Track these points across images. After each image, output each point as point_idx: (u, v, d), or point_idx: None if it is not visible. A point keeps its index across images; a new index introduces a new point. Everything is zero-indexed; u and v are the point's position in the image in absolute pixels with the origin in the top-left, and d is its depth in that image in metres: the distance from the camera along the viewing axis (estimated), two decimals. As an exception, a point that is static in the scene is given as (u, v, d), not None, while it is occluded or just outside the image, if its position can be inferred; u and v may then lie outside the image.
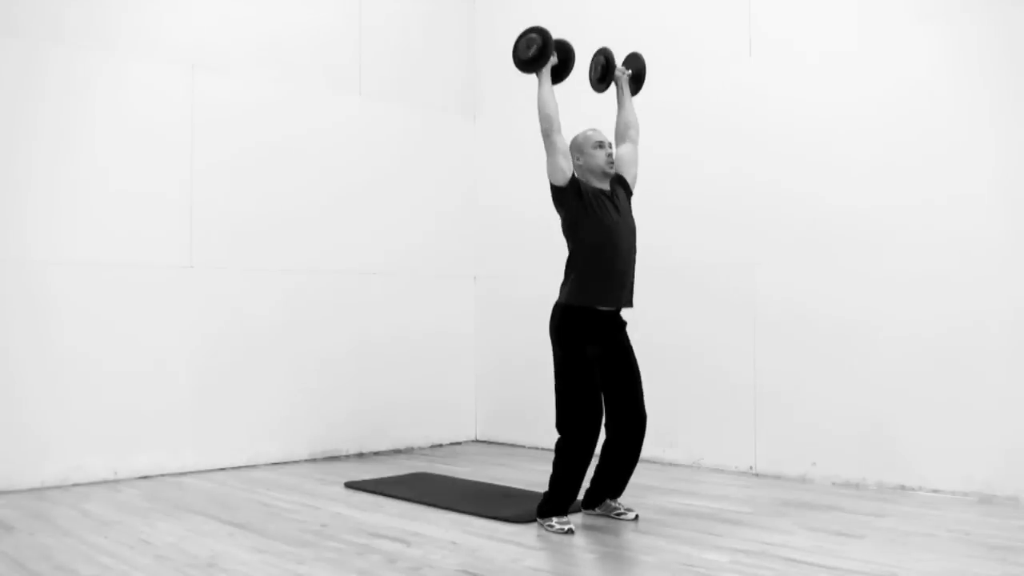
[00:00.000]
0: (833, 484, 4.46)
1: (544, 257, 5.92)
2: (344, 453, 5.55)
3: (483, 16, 6.38)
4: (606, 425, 3.68)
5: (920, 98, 4.28)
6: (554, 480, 3.56)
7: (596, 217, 3.63)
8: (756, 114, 4.85)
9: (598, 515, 3.74)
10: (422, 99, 6.09)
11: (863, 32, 4.48)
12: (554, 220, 5.86)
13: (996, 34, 4.07)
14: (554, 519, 3.51)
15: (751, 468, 4.81)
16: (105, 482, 4.59)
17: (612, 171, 3.73)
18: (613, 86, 4.02)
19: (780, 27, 4.79)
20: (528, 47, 3.64)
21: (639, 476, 3.98)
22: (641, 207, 5.39)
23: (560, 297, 3.67)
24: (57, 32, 4.56)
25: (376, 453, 5.65)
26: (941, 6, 4.25)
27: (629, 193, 3.87)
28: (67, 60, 4.59)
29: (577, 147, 3.74)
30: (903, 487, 4.27)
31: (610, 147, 3.73)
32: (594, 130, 3.78)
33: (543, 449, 5.55)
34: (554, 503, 3.55)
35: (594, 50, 3.99)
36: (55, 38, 4.56)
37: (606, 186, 3.73)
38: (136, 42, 4.83)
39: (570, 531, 3.45)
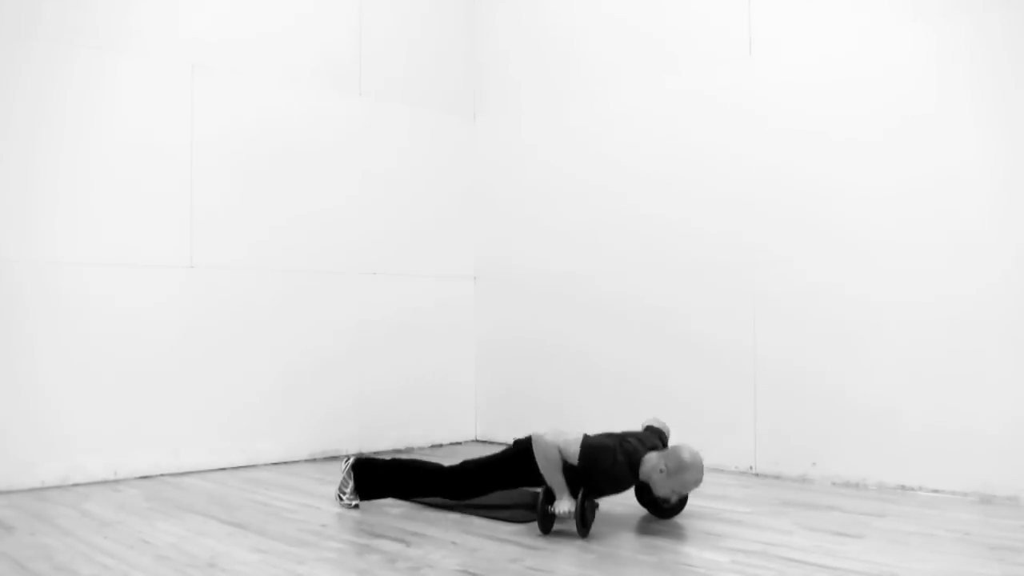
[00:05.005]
0: (833, 484, 4.46)
1: (544, 258, 5.93)
2: (344, 453, 5.54)
3: (483, 16, 6.38)
4: None
5: (920, 97, 4.28)
6: (401, 470, 3.95)
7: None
8: (756, 114, 4.85)
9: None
10: (422, 99, 6.09)
11: (864, 32, 4.48)
12: (554, 221, 5.90)
13: (999, 35, 4.07)
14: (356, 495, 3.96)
15: (751, 468, 4.81)
16: (105, 482, 4.59)
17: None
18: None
19: (780, 27, 4.79)
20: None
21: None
22: (645, 198, 5.40)
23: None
24: (56, 32, 4.56)
25: (376, 453, 5.65)
26: (942, 7, 4.25)
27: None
28: (67, 60, 4.59)
29: (677, 468, 3.47)
30: (903, 487, 4.26)
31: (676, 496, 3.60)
32: (697, 484, 3.52)
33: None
34: (370, 484, 3.95)
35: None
36: (54, 38, 4.56)
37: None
38: (135, 42, 4.84)
39: (356, 506, 3.94)
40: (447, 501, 3.99)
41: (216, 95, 5.12)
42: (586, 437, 3.54)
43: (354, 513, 3.87)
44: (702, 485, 4.37)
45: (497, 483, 3.87)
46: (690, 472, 3.49)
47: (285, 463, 5.26)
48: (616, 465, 3.49)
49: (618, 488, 3.63)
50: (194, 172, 5.01)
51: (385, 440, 5.75)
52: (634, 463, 3.55)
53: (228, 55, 5.19)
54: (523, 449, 3.79)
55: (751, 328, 4.84)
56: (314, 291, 5.49)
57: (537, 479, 3.68)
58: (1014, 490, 3.95)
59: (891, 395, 4.32)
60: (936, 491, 4.17)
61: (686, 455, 3.50)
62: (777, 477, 4.69)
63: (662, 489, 3.54)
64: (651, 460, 3.55)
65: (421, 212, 6.05)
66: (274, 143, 5.35)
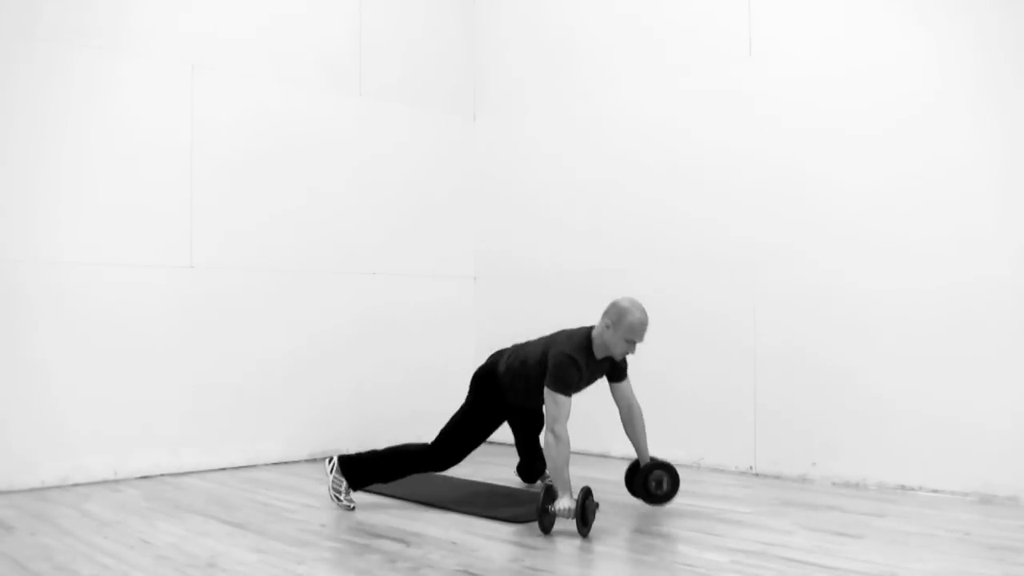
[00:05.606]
0: (833, 484, 4.46)
1: (544, 255, 5.93)
2: (345, 452, 5.53)
3: (483, 16, 6.38)
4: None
5: (919, 93, 4.28)
6: (384, 460, 3.98)
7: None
8: (756, 110, 4.85)
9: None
10: (422, 99, 6.09)
11: (864, 32, 4.48)
12: (553, 221, 5.90)
13: (999, 33, 4.07)
14: (350, 493, 3.93)
15: (751, 468, 4.81)
16: (105, 482, 4.59)
17: (618, 360, 3.78)
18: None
19: (780, 27, 4.79)
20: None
21: (639, 476, 3.97)
22: (646, 195, 5.41)
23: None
24: (57, 32, 4.56)
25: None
26: (942, 8, 4.24)
27: (616, 372, 3.88)
28: (67, 60, 4.59)
29: (618, 315, 3.58)
30: (903, 487, 4.27)
31: (635, 346, 3.68)
32: (643, 324, 3.60)
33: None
34: (360, 475, 3.95)
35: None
36: (55, 38, 4.56)
37: (601, 359, 3.74)
38: (136, 42, 4.83)
39: (353, 508, 3.90)
40: (448, 498, 3.99)
41: (216, 95, 5.12)
42: (550, 383, 3.59)
43: (354, 513, 3.87)
44: (702, 485, 4.38)
45: (475, 432, 3.98)
46: (632, 313, 3.57)
47: (285, 463, 5.26)
48: (575, 364, 3.60)
49: (594, 376, 3.79)
50: (194, 172, 5.01)
51: (384, 439, 5.71)
52: (587, 348, 3.67)
53: (228, 55, 5.19)
54: (479, 379, 4.01)
55: (752, 326, 4.84)
56: (314, 290, 5.49)
57: (509, 406, 3.95)
58: (1014, 490, 3.95)
59: (891, 395, 4.32)
60: (936, 491, 4.17)
61: (623, 301, 3.61)
62: (777, 477, 4.69)
63: (617, 347, 3.63)
64: (596, 326, 3.69)
65: (421, 211, 6.05)
66: (274, 143, 5.35)
